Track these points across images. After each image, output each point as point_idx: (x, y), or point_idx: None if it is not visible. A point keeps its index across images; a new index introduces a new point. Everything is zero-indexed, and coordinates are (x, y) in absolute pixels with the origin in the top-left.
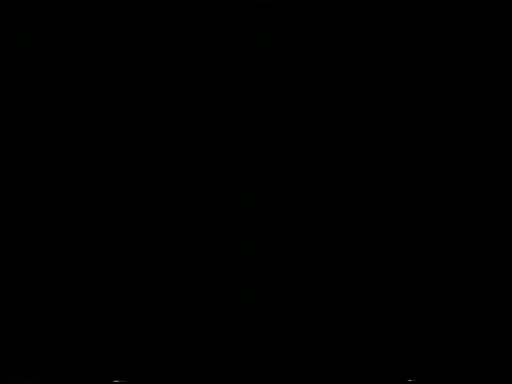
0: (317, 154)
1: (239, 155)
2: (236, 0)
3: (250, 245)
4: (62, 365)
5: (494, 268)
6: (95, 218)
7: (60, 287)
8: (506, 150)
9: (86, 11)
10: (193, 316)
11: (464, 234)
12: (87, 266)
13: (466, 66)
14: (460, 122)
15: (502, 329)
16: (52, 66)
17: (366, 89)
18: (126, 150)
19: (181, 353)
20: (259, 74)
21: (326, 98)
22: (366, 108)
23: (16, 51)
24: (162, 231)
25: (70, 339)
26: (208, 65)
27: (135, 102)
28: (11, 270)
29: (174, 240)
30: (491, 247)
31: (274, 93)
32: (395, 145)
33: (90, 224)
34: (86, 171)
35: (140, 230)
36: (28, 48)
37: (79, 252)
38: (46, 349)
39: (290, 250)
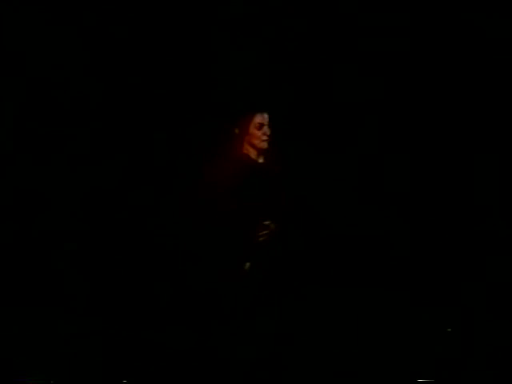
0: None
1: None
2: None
3: None
4: (63, 365)
5: None
6: (96, 217)
7: (61, 287)
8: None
9: (91, 9)
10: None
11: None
12: (88, 267)
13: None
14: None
15: None
16: (53, 65)
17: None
18: (127, 148)
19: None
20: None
21: (324, 97)
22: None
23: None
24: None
25: (71, 339)
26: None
27: (135, 99)
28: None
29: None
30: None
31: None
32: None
33: (91, 222)
34: (87, 169)
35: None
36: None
37: (81, 250)
38: (47, 349)
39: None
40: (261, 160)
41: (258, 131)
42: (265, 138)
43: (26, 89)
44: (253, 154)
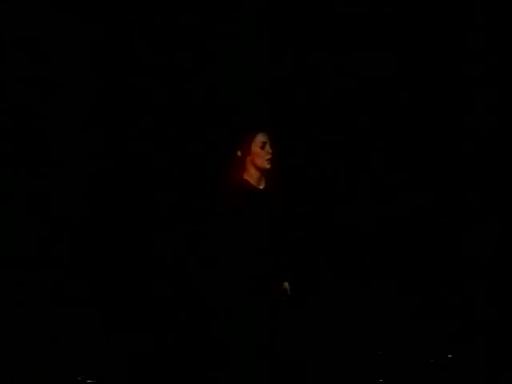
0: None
1: None
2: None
3: None
4: (62, 366)
5: None
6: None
7: (63, 287)
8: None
9: (95, 10)
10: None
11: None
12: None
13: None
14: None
15: None
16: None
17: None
18: (130, 144)
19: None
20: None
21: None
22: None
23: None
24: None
25: (72, 340)
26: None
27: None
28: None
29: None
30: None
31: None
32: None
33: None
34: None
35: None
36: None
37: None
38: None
39: None
40: (261, 186)
41: (262, 150)
42: (268, 156)
43: (26, 87)
44: (254, 177)
